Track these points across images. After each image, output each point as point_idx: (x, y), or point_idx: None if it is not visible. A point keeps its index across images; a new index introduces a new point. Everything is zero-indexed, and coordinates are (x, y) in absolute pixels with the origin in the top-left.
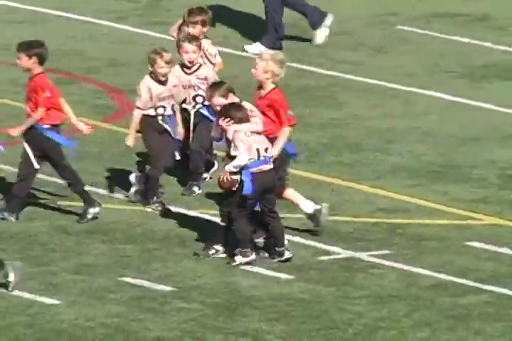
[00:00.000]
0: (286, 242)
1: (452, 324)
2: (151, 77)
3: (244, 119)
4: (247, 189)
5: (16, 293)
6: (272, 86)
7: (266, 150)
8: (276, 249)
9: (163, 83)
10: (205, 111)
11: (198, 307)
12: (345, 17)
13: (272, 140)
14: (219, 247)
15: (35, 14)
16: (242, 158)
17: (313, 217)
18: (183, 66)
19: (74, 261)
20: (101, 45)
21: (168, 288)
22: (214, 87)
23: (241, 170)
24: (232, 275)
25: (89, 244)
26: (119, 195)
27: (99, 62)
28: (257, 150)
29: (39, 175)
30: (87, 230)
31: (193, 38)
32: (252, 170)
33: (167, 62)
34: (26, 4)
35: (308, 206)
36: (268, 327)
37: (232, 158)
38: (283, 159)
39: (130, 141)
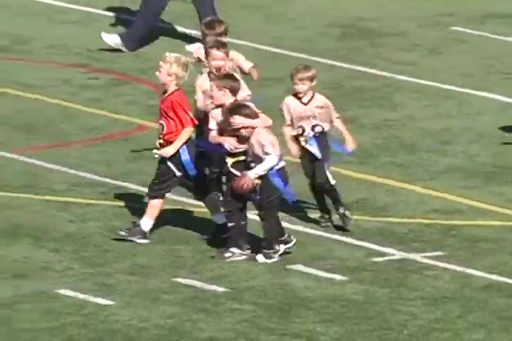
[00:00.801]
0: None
1: (507, 325)
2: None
3: (253, 116)
4: (282, 187)
5: (70, 293)
6: (175, 88)
7: None
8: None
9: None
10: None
11: (252, 308)
12: (400, 18)
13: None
14: (235, 250)
15: (88, 15)
16: (272, 159)
17: (140, 232)
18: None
19: (128, 262)
20: (155, 46)
21: (221, 289)
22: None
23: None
24: (286, 277)
25: (143, 244)
26: (174, 196)
27: (153, 63)
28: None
29: (92, 176)
30: None
31: (222, 45)
32: (277, 167)
33: (300, 79)
34: (79, 5)
35: (146, 224)
36: (322, 329)
37: (241, 162)
38: (175, 156)
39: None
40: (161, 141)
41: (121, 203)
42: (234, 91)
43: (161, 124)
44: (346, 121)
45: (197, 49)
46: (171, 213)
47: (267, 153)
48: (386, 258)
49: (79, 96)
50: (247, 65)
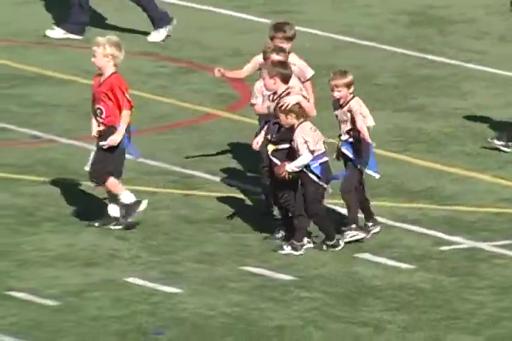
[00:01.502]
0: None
1: None
2: None
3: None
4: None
5: (139, 281)
6: (113, 70)
7: (324, 143)
8: (328, 243)
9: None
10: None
11: (320, 296)
12: (469, 5)
13: (112, 129)
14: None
15: (158, 3)
16: (306, 156)
17: (129, 207)
18: None
19: (196, 250)
20: (223, 35)
21: (289, 277)
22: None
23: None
24: (354, 265)
25: (211, 233)
26: (241, 184)
27: (221, 52)
28: (323, 144)
29: (161, 165)
30: (210, 219)
31: (281, 50)
32: (320, 161)
33: (336, 86)
34: None
35: (115, 210)
36: (389, 317)
37: (280, 150)
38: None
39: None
40: (102, 125)
41: (190, 191)
42: (285, 79)
43: (99, 109)
44: (414, 110)
45: (257, 56)
46: (238, 202)
47: (303, 151)
48: (454, 246)
49: (147, 85)
50: (309, 73)
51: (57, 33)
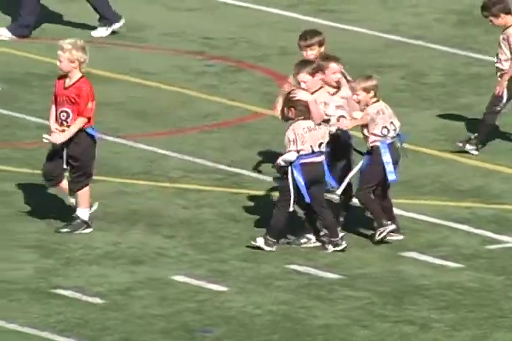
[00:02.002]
0: (342, 234)
1: None
2: None
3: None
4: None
5: (185, 279)
6: (80, 74)
7: (320, 145)
8: (332, 239)
9: None
10: None
11: (366, 295)
12: None
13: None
14: (310, 236)
15: (207, 2)
16: (291, 154)
17: (82, 223)
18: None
19: (242, 249)
20: (272, 33)
21: (335, 276)
22: (302, 63)
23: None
24: (400, 264)
25: (257, 231)
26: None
27: (270, 50)
28: (311, 146)
29: (208, 163)
30: (256, 218)
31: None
32: (302, 161)
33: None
34: None
35: (84, 213)
36: (436, 316)
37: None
38: (89, 143)
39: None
40: (65, 127)
41: (236, 190)
42: (323, 70)
43: (65, 112)
44: (462, 108)
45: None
46: None
47: (289, 148)
48: (502, 245)
49: (195, 83)
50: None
51: (100, 32)
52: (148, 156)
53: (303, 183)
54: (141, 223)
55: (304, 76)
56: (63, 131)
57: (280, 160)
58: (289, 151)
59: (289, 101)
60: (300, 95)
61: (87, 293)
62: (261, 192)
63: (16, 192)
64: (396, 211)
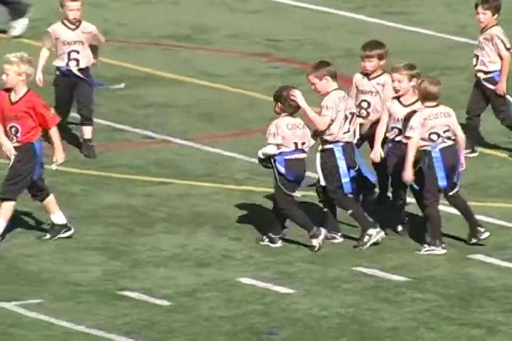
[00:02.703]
0: (315, 228)
1: None
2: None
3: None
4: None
5: (251, 281)
6: (26, 88)
7: (303, 144)
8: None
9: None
10: None
11: (433, 297)
12: None
13: (29, 146)
14: (371, 231)
15: (271, 3)
16: (269, 147)
17: (61, 226)
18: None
19: (309, 251)
20: (337, 35)
21: (402, 278)
22: (316, 65)
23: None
24: (467, 266)
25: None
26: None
27: (335, 52)
28: (295, 144)
29: None
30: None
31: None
32: (286, 157)
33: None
34: None
35: (58, 217)
36: (503, 319)
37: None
38: (33, 155)
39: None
40: (17, 143)
41: (302, 192)
42: (334, 77)
43: (14, 127)
44: None
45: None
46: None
47: (268, 141)
48: None
49: (259, 85)
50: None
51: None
52: (214, 158)
53: (290, 178)
54: (208, 225)
55: (312, 78)
56: (15, 147)
57: (260, 153)
58: (269, 145)
59: (279, 96)
60: (296, 94)
61: (154, 295)
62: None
63: (82, 194)
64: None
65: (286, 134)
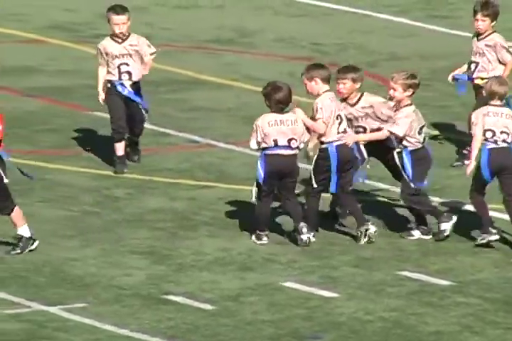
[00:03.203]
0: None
1: None
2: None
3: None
4: (258, 172)
5: (295, 285)
6: None
7: (290, 140)
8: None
9: None
10: None
11: (477, 301)
12: None
13: None
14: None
15: (314, 7)
16: (251, 142)
17: (27, 240)
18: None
19: (353, 255)
20: (381, 39)
21: (446, 282)
22: (308, 67)
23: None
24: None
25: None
26: (393, 188)
27: (379, 56)
28: (275, 140)
29: None
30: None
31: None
32: (266, 152)
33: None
34: None
35: (25, 230)
36: None
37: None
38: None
39: None
40: None
41: (367, 198)
42: (325, 80)
43: None
44: None
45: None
46: (390, 206)
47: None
48: None
49: (303, 89)
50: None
51: None
52: (256, 162)
53: (262, 174)
54: (251, 229)
55: (304, 79)
56: None
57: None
58: (251, 139)
59: (265, 94)
60: (297, 105)
61: (198, 299)
62: (378, 199)
63: (127, 198)
64: (504, 216)
65: (267, 131)
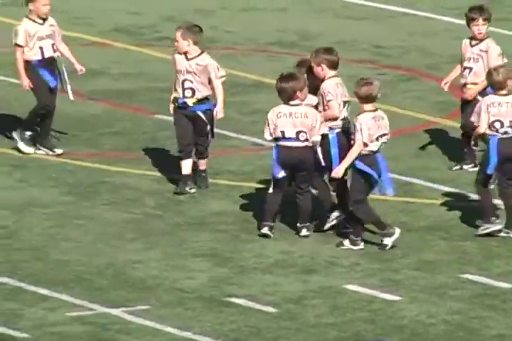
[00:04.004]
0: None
1: None
2: None
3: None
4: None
5: (358, 288)
6: None
7: (298, 133)
8: (297, 224)
9: None
10: None
11: None
12: None
13: None
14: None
15: (375, 10)
16: (265, 133)
17: None
18: None
19: (415, 258)
20: (443, 41)
21: (509, 286)
22: (316, 51)
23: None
24: None
25: (429, 240)
26: (460, 191)
27: (441, 59)
28: (282, 132)
29: None
30: (428, 227)
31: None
32: (277, 143)
33: None
34: (367, 0)
35: None
36: None
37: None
38: None
39: None
40: None
41: (409, 199)
42: (332, 66)
43: None
44: None
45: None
46: (458, 208)
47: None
48: None
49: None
50: None
51: None
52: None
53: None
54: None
55: (312, 63)
56: None
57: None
58: (265, 131)
59: (277, 83)
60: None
61: (261, 302)
62: (433, 201)
63: (189, 201)
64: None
65: (276, 122)
